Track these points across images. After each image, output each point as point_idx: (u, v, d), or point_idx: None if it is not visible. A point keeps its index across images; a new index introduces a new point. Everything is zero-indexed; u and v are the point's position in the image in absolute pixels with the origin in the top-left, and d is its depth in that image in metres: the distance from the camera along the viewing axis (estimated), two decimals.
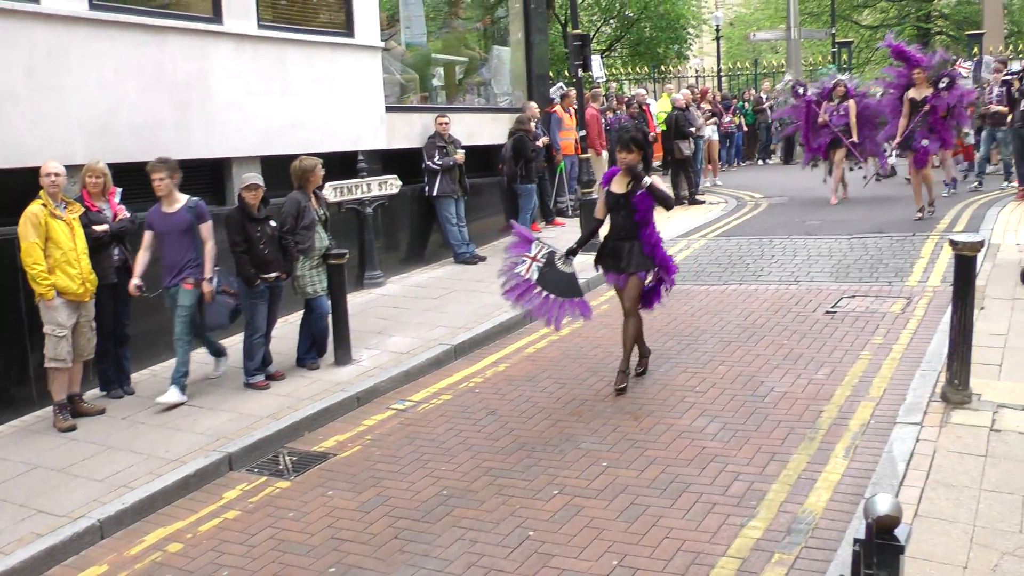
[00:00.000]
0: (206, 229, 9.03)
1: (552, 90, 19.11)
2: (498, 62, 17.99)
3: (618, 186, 8.67)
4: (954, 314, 7.42)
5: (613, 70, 39.10)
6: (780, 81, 25.43)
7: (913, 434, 6.88)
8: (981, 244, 7.27)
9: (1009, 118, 17.09)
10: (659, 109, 22.79)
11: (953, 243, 7.28)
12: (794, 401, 8.11)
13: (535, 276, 8.57)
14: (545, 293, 8.58)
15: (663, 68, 38.13)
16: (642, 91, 24.92)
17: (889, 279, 12.05)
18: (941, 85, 15.14)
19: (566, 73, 34.18)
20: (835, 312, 10.79)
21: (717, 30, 40.22)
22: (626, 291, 8.85)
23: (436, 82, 16.87)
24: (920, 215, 15.29)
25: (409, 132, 14.57)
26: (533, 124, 16.12)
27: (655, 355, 9.66)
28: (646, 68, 38.26)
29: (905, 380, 8.28)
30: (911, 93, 15.37)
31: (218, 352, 9.86)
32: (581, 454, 7.38)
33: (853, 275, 12.40)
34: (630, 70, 39.06)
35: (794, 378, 8.71)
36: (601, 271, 9.20)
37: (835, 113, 17.66)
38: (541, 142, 16.48)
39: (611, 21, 42.48)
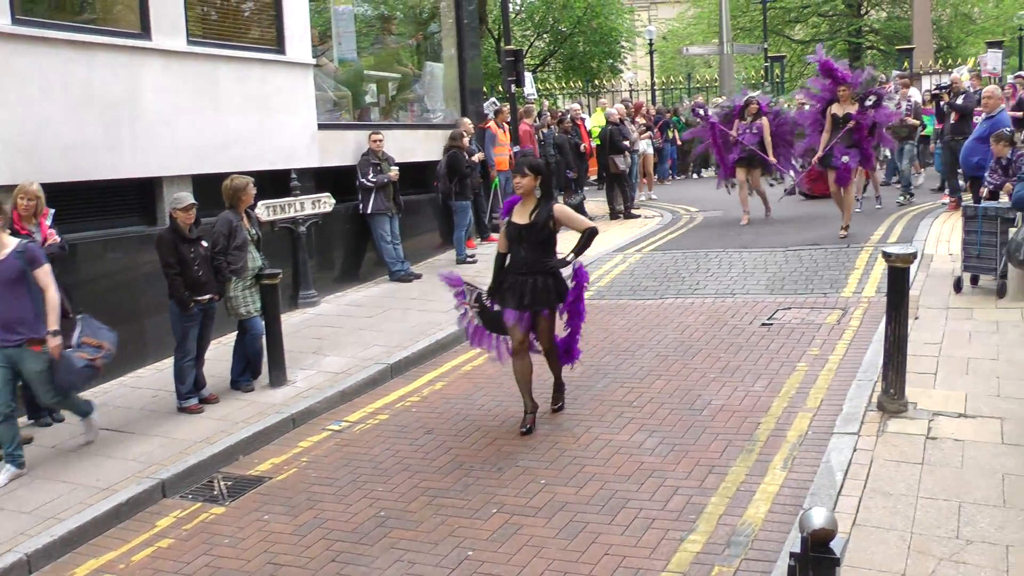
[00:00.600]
0: (43, 275, 7.73)
1: (485, 105, 19.14)
2: (431, 78, 17.96)
3: (519, 216, 7.98)
4: (888, 325, 7.53)
5: (547, 85, 39.30)
6: (711, 97, 25.65)
7: (850, 444, 6.96)
8: (913, 256, 7.39)
9: (918, 131, 17.76)
10: (593, 124, 22.86)
11: (886, 255, 7.38)
12: (732, 414, 8.17)
13: (477, 320, 8.45)
14: (491, 333, 8.43)
15: (597, 83, 38.47)
16: (576, 106, 24.95)
17: (824, 291, 12.19)
18: (868, 103, 14.91)
19: (499, 88, 34.34)
20: (771, 324, 10.90)
21: (650, 44, 40.74)
22: (539, 332, 8.20)
23: (369, 99, 16.82)
24: (845, 232, 15.01)
25: (342, 149, 14.49)
26: (467, 140, 16.11)
27: (592, 370, 9.69)
28: (580, 82, 38.54)
29: (842, 390, 8.38)
30: (834, 109, 15.01)
31: (84, 411, 8.53)
32: (519, 472, 7.36)
33: (788, 287, 12.54)
34: (564, 85, 39.29)
35: (731, 391, 8.78)
36: (496, 307, 8.26)
37: (748, 132, 17.13)
38: (476, 158, 16.48)
39: (544, 36, 42.76)
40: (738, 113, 17.45)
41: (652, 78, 39.26)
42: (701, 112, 18.16)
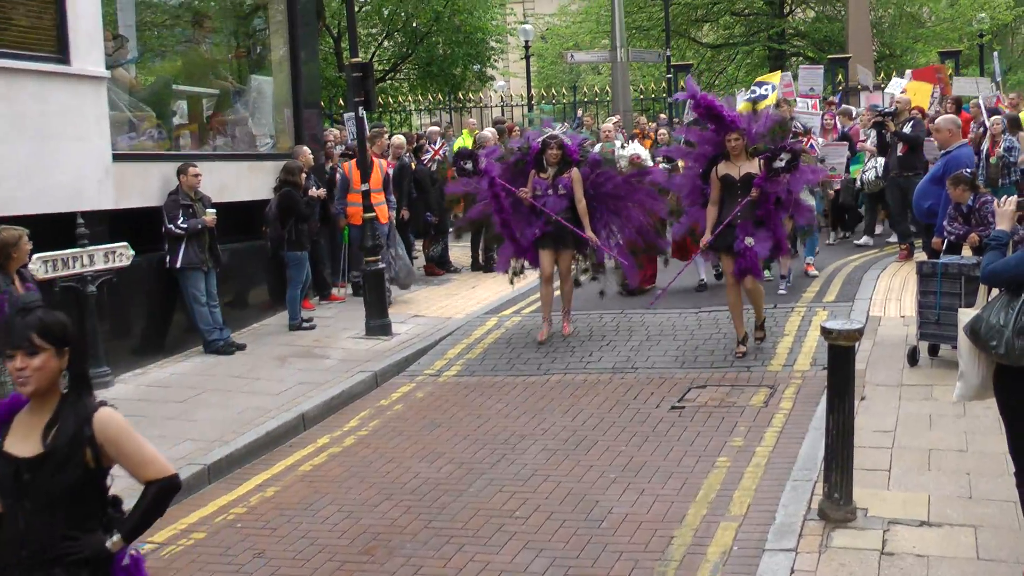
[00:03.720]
0: None
1: (347, 122, 18.97)
2: (258, 95, 17.77)
3: (21, 440, 4.48)
4: (831, 414, 7.61)
5: (398, 97, 39.26)
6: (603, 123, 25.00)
7: (786, 563, 7.00)
8: (860, 332, 7.51)
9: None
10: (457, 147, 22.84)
11: (826, 331, 7.49)
12: (638, 525, 8.16)
13: None
14: None
15: (461, 95, 38.48)
16: (434, 128, 24.79)
17: (748, 363, 12.35)
18: (777, 164, 12.31)
19: (340, 102, 34.23)
20: (683, 407, 10.97)
21: (526, 47, 40.10)
22: None
23: (179, 120, 16.54)
24: (743, 349, 12.78)
25: (145, 186, 14.19)
26: (304, 175, 15.92)
27: (464, 469, 9.64)
28: (440, 94, 38.55)
29: (773, 493, 8.45)
30: (724, 168, 12.56)
31: None
32: None
33: (703, 359, 12.69)
34: (419, 97, 39.18)
35: (636, 495, 8.78)
36: None
37: (550, 191, 13.91)
38: (315, 193, 16.29)
39: (396, 35, 42.75)
40: (532, 159, 14.24)
41: (529, 89, 38.82)
42: (466, 165, 14.20)
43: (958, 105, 20.63)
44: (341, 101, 33.66)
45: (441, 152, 21.68)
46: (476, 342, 14.39)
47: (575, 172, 13.87)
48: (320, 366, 13.59)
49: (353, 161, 16.94)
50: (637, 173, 14.89)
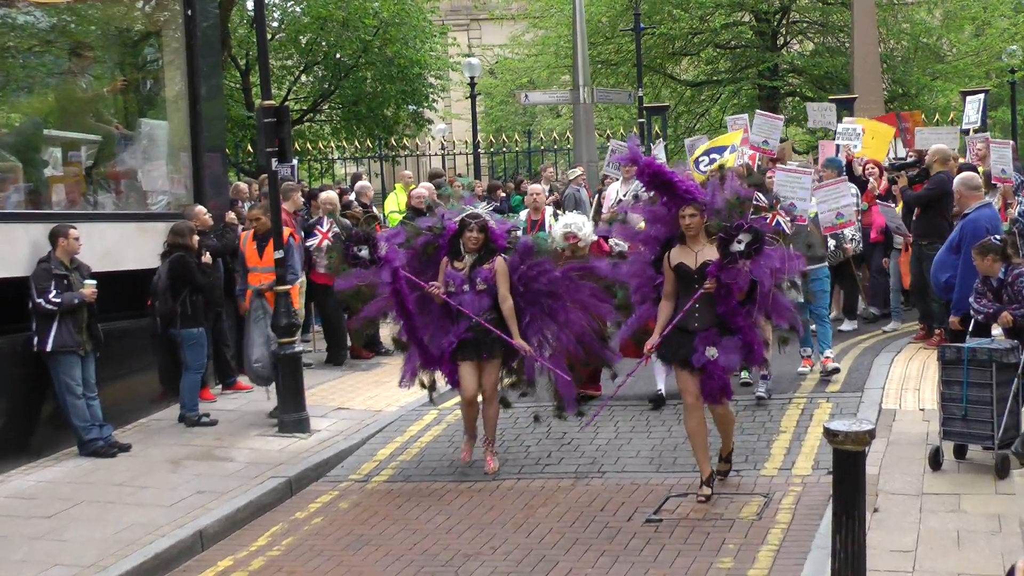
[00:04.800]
0: None
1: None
2: (149, 141, 17.72)
3: None
4: (837, 532, 7.54)
5: (320, 143, 39.16)
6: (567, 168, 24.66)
7: None
8: (871, 434, 7.47)
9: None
10: (391, 209, 22.84)
11: (830, 433, 7.45)
12: None
13: None
14: None
15: (394, 140, 38.31)
16: (364, 183, 24.61)
17: (737, 466, 12.23)
18: (736, 247, 11.20)
19: (249, 148, 34.21)
20: (660, 520, 10.88)
21: (471, 84, 39.92)
22: None
23: (51, 171, 16.44)
24: (706, 492, 11.53)
25: (8, 253, 14.10)
26: (195, 238, 15.73)
27: None
28: (370, 140, 38.57)
29: None
30: (678, 255, 11.57)
31: None
32: None
33: (683, 460, 12.54)
34: (344, 142, 39.05)
35: None
36: None
37: (466, 285, 12.94)
38: (206, 258, 16.04)
39: (316, 68, 42.70)
40: (447, 243, 13.33)
41: (475, 134, 38.33)
42: (363, 250, 13.00)
43: (921, 158, 19.62)
44: (249, 148, 33.58)
45: (330, 235, 18.98)
46: (412, 440, 14.31)
47: (499, 262, 12.94)
48: (222, 471, 13.42)
49: (250, 233, 16.79)
50: (579, 267, 13.76)
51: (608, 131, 40.38)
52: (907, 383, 14.85)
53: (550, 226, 16.55)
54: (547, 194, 23.74)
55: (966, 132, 24.32)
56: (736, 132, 21.79)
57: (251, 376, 15.64)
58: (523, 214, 17.06)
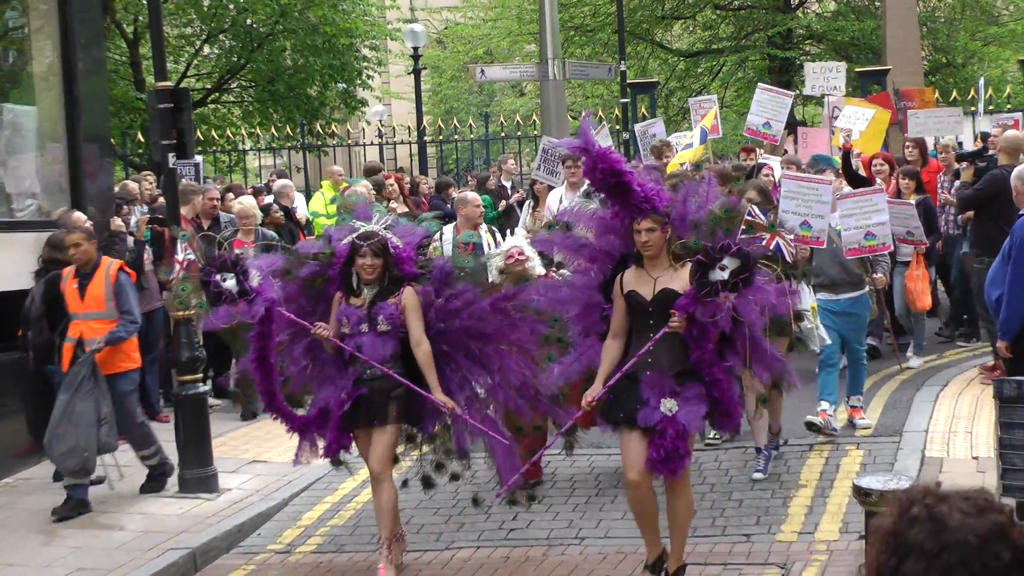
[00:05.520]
0: None
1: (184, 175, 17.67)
2: (12, 131, 17.47)
3: None
4: None
5: (228, 130, 38.39)
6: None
7: None
8: None
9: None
10: (315, 208, 22.69)
11: (861, 492, 7.55)
12: None
13: None
14: None
15: (321, 127, 37.44)
16: (286, 181, 24.24)
17: (747, 530, 12.06)
18: (718, 274, 10.01)
19: (140, 138, 33.36)
20: None
21: (415, 57, 39.56)
22: None
23: None
24: None
25: None
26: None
27: None
28: (290, 126, 37.96)
29: None
30: (631, 280, 10.45)
31: None
32: None
33: None
34: (258, 128, 38.39)
35: None
36: None
37: (363, 325, 11.52)
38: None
39: (222, 37, 41.68)
40: (339, 276, 11.92)
41: (420, 118, 37.90)
42: (228, 280, 11.54)
43: (923, 150, 19.90)
44: (140, 136, 32.73)
45: (185, 263, 17.29)
46: (344, 501, 14.02)
47: (408, 294, 11.49)
48: (109, 541, 12.92)
49: (72, 269, 14.96)
50: (510, 295, 12.03)
51: (583, 112, 37.64)
52: (956, 424, 14.60)
53: (489, 245, 15.74)
54: (510, 191, 23.58)
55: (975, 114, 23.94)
56: (709, 113, 21.33)
57: (66, 471, 14.06)
58: (448, 229, 15.69)
